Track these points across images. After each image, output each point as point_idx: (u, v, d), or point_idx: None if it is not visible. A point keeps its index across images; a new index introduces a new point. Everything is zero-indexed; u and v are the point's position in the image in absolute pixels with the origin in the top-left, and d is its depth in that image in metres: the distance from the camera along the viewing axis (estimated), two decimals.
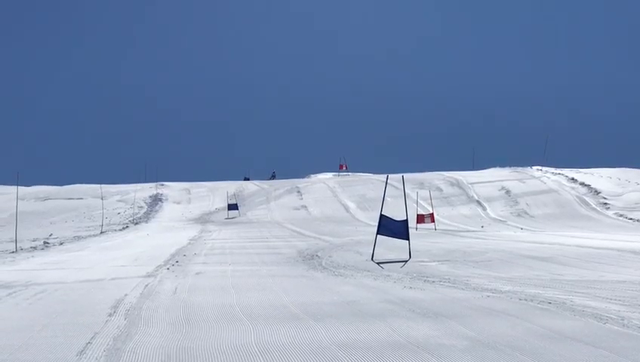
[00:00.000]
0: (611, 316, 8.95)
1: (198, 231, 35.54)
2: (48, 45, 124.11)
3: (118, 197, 56.55)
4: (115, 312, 10.11)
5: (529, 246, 21.38)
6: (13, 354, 7.45)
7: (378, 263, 17.16)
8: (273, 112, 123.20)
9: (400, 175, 23.36)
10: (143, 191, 58.87)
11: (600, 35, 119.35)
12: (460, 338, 7.73)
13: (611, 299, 10.53)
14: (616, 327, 8.25)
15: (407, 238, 18.39)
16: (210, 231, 34.76)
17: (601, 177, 51.69)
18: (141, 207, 52.39)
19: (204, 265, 17.76)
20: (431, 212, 36.68)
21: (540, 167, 58.83)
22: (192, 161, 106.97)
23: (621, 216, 39.41)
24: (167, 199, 56.46)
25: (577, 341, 7.50)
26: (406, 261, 17.42)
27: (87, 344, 7.86)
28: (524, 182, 52.44)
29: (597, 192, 46.63)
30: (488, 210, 44.93)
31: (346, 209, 47.65)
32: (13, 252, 23.65)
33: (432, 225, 34.78)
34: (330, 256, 19.41)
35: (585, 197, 45.81)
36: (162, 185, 62.52)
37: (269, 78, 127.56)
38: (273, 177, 68.96)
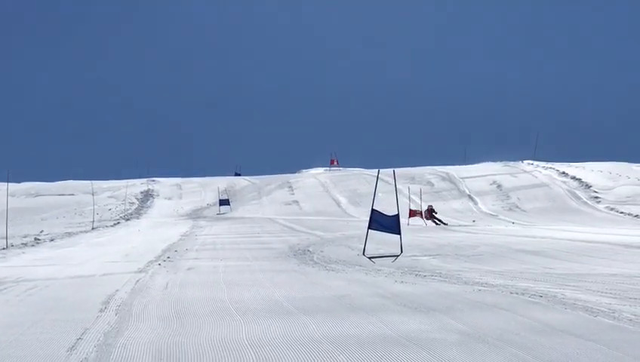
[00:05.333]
0: (602, 309, 8.96)
1: (190, 226, 35.49)
2: (37, 41, 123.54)
3: (109, 193, 56.41)
4: (106, 308, 10.09)
5: (520, 240, 21.42)
6: (3, 350, 7.42)
7: (369, 258, 17.17)
8: (264, 107, 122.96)
9: (391, 169, 23.36)
10: (134, 187, 58.74)
11: (590, 31, 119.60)
12: (452, 332, 7.73)
13: (602, 292, 10.55)
14: (607, 320, 8.27)
15: (399, 233, 18.40)
16: (201, 227, 34.71)
17: (592, 171, 51.79)
18: (132, 202, 52.29)
19: (195, 260, 17.74)
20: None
21: (531, 161, 58.91)
22: (183, 156, 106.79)
23: (612, 209, 39.51)
24: (158, 195, 56.37)
25: (568, 334, 7.51)
26: (397, 255, 17.43)
27: (77, 340, 7.83)
28: (515, 177, 52.52)
29: (588, 186, 46.74)
30: (480, 205, 44.99)
31: (338, 204, 47.66)
32: (3, 248, 23.56)
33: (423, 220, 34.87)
34: (321, 251, 19.41)
35: (576, 191, 45.92)
36: (153, 180, 62.39)
37: (259, 72, 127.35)
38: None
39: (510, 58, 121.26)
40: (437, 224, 34.75)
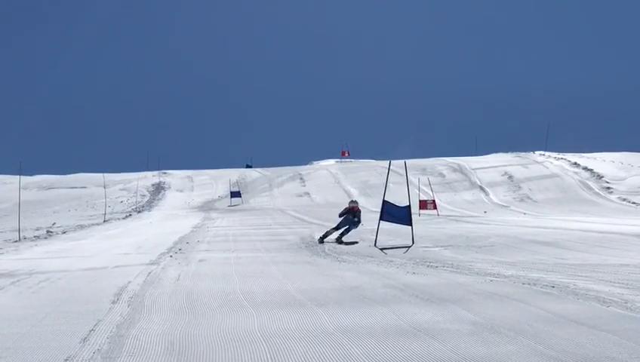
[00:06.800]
0: (615, 299, 8.93)
1: (201, 218, 35.55)
2: (49, 35, 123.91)
3: (120, 186, 56.57)
4: (118, 300, 10.11)
5: (532, 231, 21.36)
6: (17, 342, 7.46)
7: (381, 249, 17.16)
8: (275, 100, 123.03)
9: (402, 161, 23.32)
10: (146, 179, 58.90)
11: (602, 22, 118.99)
12: (464, 323, 7.72)
13: (614, 283, 10.51)
14: (619, 310, 8.24)
15: (410, 224, 18.36)
16: (213, 219, 34.76)
17: (603, 161, 51.62)
18: (144, 195, 52.42)
19: (207, 252, 17.76)
20: (433, 199, 36.70)
21: (542, 152, 58.75)
22: (195, 148, 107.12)
23: (624, 200, 39.37)
24: (169, 187, 56.48)
25: (581, 324, 7.49)
26: (409, 246, 17.41)
27: (90, 331, 7.86)
28: (526, 167, 52.38)
29: (600, 177, 46.58)
30: (491, 195, 44.89)
31: (349, 195, 47.62)
32: (16, 241, 23.67)
33: (434, 211, 34.81)
34: (332, 243, 19.39)
35: (588, 182, 45.76)
36: (165, 173, 62.57)
37: (271, 65, 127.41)
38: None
39: (522, 49, 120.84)
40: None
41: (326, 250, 17.36)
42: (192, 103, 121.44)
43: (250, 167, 68.90)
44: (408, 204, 18.70)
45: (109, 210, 42.26)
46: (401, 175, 23.26)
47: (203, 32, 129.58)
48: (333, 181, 53.45)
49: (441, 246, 17.55)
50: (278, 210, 40.82)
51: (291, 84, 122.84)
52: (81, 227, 31.53)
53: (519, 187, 46.46)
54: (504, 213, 36.12)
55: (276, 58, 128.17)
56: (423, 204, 34.95)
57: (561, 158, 54.74)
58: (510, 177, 49.39)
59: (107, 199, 45.55)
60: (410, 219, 18.43)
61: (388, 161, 21.89)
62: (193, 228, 28.35)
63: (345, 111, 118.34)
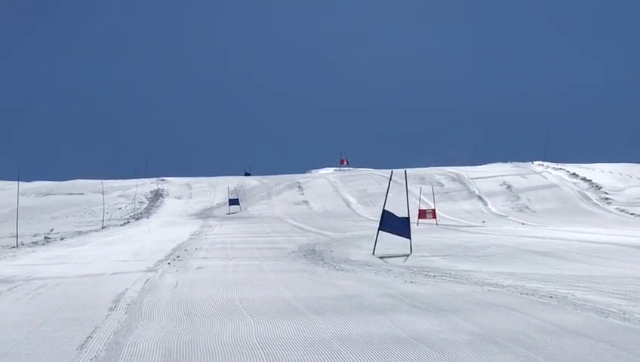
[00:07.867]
0: (612, 310, 8.93)
1: (199, 226, 35.52)
2: (47, 42, 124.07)
3: (119, 193, 56.48)
4: (115, 306, 10.11)
5: (530, 241, 21.35)
6: (14, 348, 7.44)
7: (381, 257, 17.15)
8: (274, 107, 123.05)
9: (401, 170, 23.32)
10: (144, 186, 58.80)
11: (602, 31, 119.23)
12: (462, 333, 7.71)
13: (612, 294, 10.51)
14: (617, 321, 8.24)
15: (409, 236, 18.36)
16: (211, 226, 34.74)
17: (602, 172, 51.60)
18: (142, 202, 52.35)
19: (205, 259, 17.75)
20: (433, 208, 36.68)
21: (541, 162, 58.73)
22: (193, 156, 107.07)
23: (622, 211, 39.36)
24: (168, 194, 56.40)
25: (578, 335, 7.48)
26: (407, 256, 17.41)
27: (87, 338, 7.85)
28: (525, 178, 52.35)
29: (598, 187, 46.56)
30: (489, 205, 44.85)
31: (347, 204, 47.58)
32: (14, 247, 23.64)
33: (433, 220, 34.80)
34: (331, 251, 19.39)
35: (586, 193, 45.74)
36: (163, 180, 62.44)
37: (269, 72, 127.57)
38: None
39: (521, 58, 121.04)
40: None
41: (324, 259, 17.34)
42: (191, 110, 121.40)
43: (249, 174, 68.77)
44: (407, 216, 18.71)
45: (107, 216, 42.21)
46: (399, 184, 23.22)
47: (202, 39, 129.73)
48: (332, 189, 53.38)
49: (440, 256, 17.55)
50: (276, 218, 40.80)
51: (290, 92, 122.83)
52: (79, 233, 31.50)
53: (518, 197, 46.43)
54: (502, 222, 36.08)
55: (276, 65, 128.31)
56: (422, 214, 34.94)
57: (560, 169, 54.71)
58: (509, 187, 49.38)
59: (105, 206, 45.45)
60: (409, 231, 18.43)
61: (385, 170, 21.92)
62: (191, 235, 28.34)
63: (343, 119, 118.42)
